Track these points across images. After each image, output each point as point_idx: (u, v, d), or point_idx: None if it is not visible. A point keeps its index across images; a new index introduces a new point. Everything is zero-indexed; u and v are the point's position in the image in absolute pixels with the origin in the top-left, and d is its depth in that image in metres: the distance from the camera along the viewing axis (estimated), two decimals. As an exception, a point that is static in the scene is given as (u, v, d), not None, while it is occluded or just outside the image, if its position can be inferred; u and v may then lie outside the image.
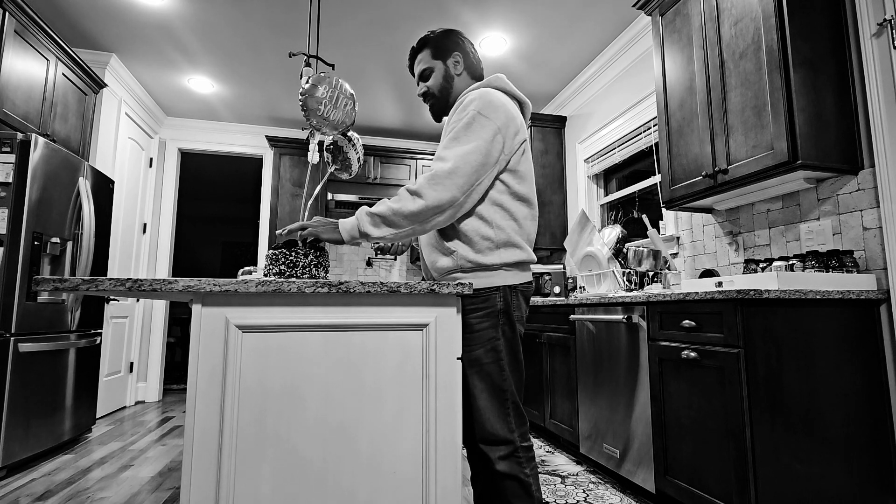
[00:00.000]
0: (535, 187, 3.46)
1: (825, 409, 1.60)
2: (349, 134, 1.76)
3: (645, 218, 2.67)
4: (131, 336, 4.13)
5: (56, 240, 2.68)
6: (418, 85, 1.50)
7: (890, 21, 1.74)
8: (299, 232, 1.31)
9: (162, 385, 4.47)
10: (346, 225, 1.26)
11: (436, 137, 5.20)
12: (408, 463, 1.16)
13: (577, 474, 2.33)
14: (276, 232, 1.38)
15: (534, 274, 3.63)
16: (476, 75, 1.48)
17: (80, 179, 2.91)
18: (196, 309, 1.08)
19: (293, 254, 1.36)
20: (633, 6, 2.57)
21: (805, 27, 1.83)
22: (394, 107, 4.43)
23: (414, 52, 1.50)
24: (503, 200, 1.29)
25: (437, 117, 1.51)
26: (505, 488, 1.22)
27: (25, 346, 2.44)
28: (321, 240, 1.29)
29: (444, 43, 1.45)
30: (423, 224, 1.22)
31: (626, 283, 2.58)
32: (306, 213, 1.59)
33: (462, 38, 1.47)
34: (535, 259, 1.38)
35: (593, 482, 2.22)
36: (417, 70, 1.49)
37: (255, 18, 3.08)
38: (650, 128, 3.11)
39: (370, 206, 1.21)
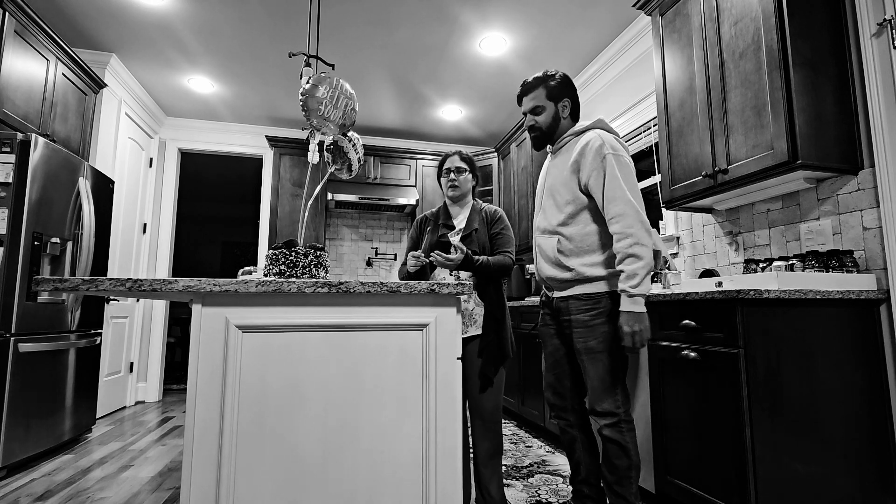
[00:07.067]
0: (536, 188, 3.47)
1: (825, 409, 1.60)
2: (349, 134, 1.76)
3: (645, 218, 2.66)
4: (131, 336, 4.13)
5: (56, 240, 2.68)
6: (525, 115, 1.71)
7: (890, 21, 1.74)
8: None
9: (162, 385, 4.47)
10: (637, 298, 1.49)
11: (435, 137, 5.20)
12: (408, 463, 1.16)
13: (577, 474, 2.33)
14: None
15: (533, 274, 3.62)
16: (576, 118, 1.72)
17: (80, 179, 2.91)
18: (196, 309, 1.08)
19: (293, 254, 1.36)
20: (633, 6, 2.57)
21: (805, 27, 1.83)
22: (394, 107, 4.43)
23: (528, 88, 1.68)
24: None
25: (539, 147, 1.74)
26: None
27: (25, 346, 2.44)
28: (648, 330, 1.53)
29: (560, 89, 1.67)
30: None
31: (626, 283, 2.58)
32: (306, 213, 1.59)
33: (574, 87, 1.70)
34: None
35: (593, 482, 2.22)
36: (528, 105, 1.69)
37: (255, 18, 3.08)
38: (650, 128, 3.11)
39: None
